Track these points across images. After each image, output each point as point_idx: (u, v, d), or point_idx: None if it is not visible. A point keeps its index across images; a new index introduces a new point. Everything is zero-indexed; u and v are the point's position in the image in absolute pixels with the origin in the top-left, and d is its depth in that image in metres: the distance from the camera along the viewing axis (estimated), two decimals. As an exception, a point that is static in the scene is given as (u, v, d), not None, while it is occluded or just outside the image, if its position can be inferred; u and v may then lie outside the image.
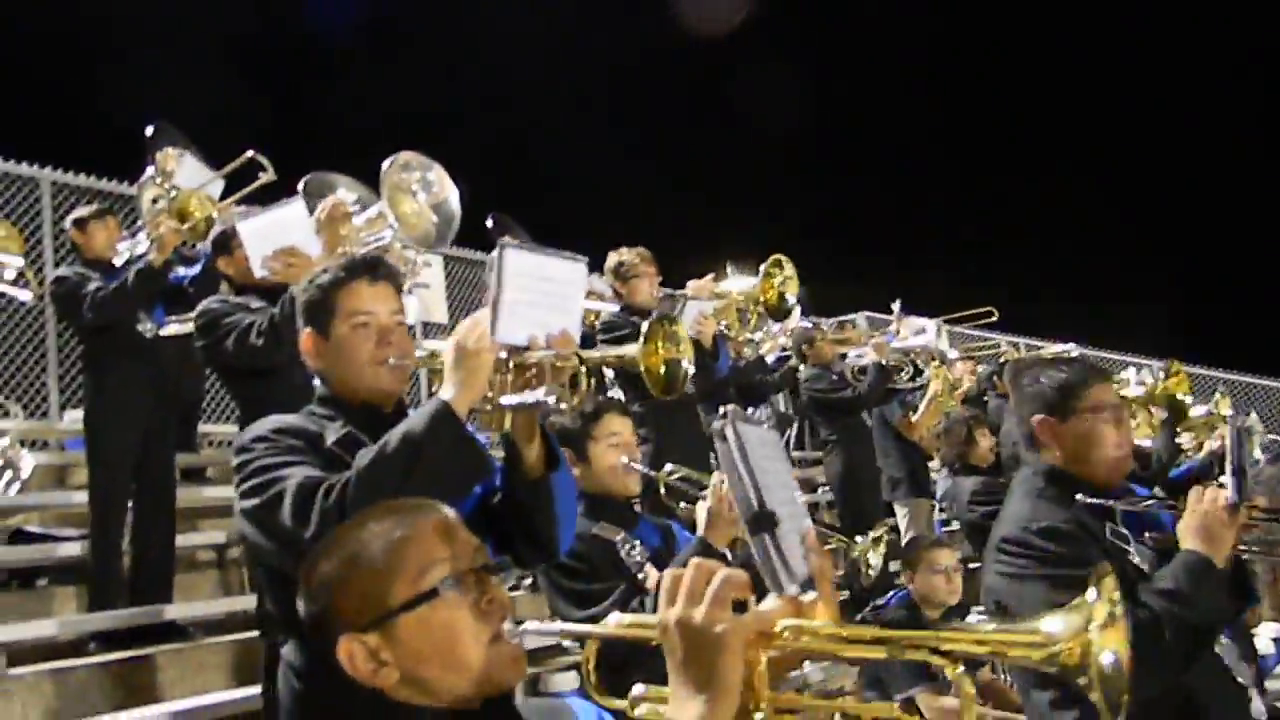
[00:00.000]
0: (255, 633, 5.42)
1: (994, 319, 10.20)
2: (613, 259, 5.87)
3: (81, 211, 5.84)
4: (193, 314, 6.03)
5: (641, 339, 2.45)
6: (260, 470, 2.23)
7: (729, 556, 3.04)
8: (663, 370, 2.47)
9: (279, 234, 3.90)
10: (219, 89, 14.85)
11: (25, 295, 4.95)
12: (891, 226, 19.59)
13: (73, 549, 5.57)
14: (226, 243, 4.23)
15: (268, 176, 5.69)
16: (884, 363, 7.27)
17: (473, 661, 1.49)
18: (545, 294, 2.26)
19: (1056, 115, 20.24)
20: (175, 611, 5.10)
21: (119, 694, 4.56)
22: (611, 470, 3.36)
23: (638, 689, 1.44)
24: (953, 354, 8.36)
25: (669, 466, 3.65)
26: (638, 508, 3.63)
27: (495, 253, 2.22)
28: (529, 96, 19.36)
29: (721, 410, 1.44)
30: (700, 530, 3.05)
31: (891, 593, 5.06)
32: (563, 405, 2.22)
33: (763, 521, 1.41)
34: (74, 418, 8.05)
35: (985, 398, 8.70)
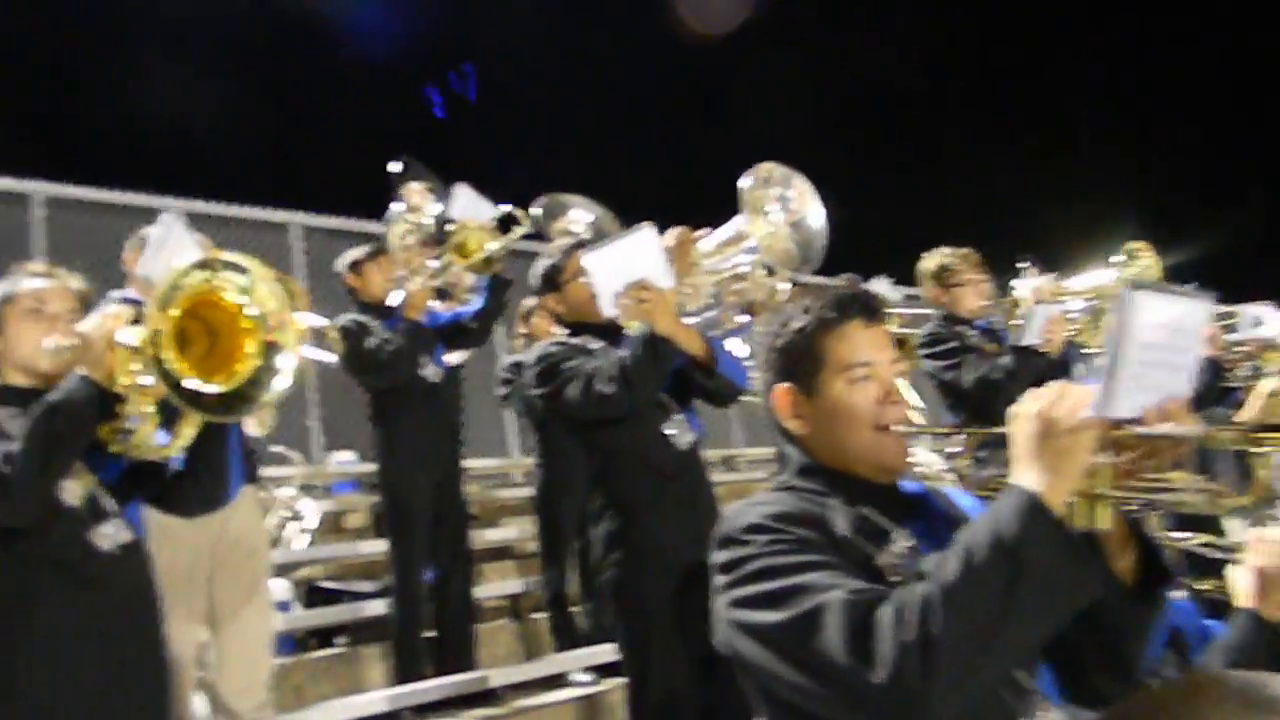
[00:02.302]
0: (565, 694, 5.10)
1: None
2: (933, 261, 5.21)
3: (355, 254, 5.60)
4: (452, 350, 5.92)
5: None
6: (768, 573, 1.70)
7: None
8: None
9: (626, 267, 3.45)
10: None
11: (331, 358, 4.74)
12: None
13: (376, 607, 5.34)
14: (554, 277, 3.82)
15: (524, 229, 5.47)
16: (1217, 357, 6.36)
17: None
18: (1168, 349, 1.67)
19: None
20: (501, 677, 4.77)
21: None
22: None
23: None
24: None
25: (1182, 534, 2.98)
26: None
27: (1119, 298, 1.65)
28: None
29: None
30: (1246, 600, 2.42)
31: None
32: (1204, 500, 1.62)
33: None
34: (339, 460, 7.99)
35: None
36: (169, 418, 2.62)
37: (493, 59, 19.54)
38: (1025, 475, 1.61)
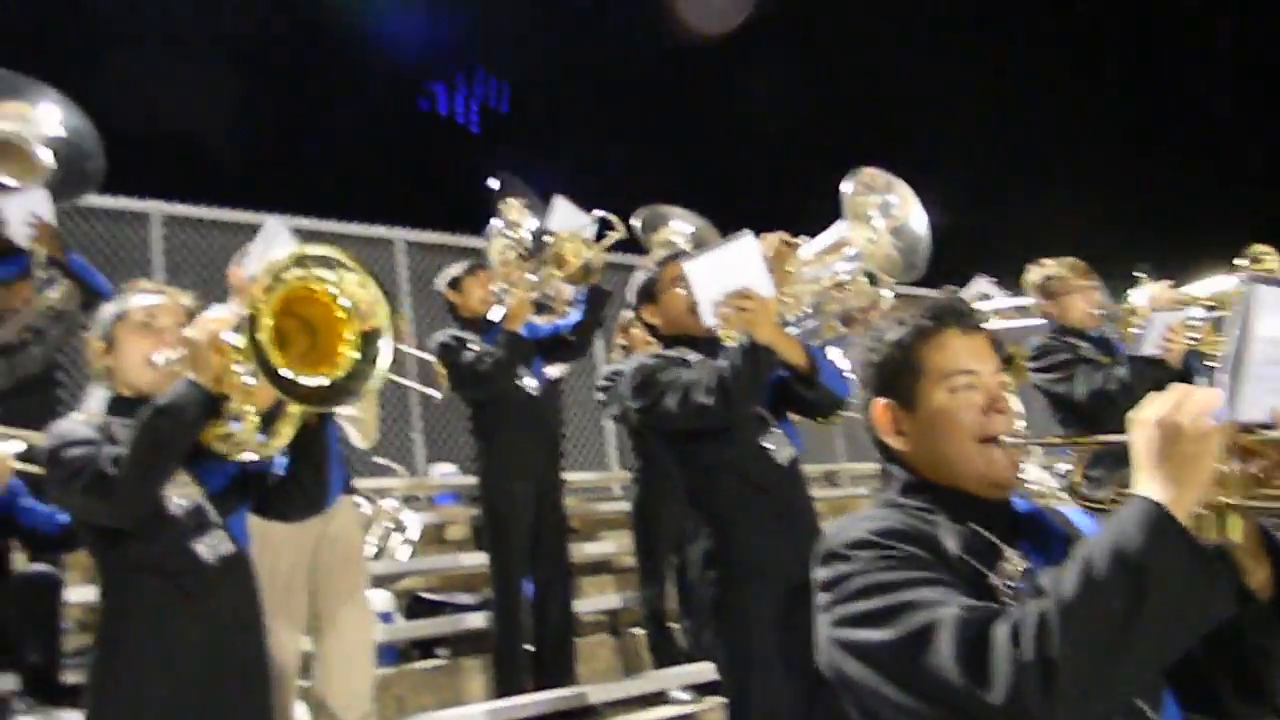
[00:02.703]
0: (664, 712, 5.04)
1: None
2: (1037, 273, 5.04)
3: (455, 270, 5.67)
4: (553, 364, 5.93)
5: None
6: (875, 590, 1.62)
7: None
8: None
9: (726, 275, 3.40)
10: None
11: (436, 394, 4.80)
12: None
13: (476, 619, 5.36)
14: (650, 289, 3.78)
15: (617, 234, 5.47)
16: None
17: None
18: None
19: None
20: (600, 694, 4.74)
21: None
22: None
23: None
24: None
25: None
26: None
27: (1240, 293, 1.54)
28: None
29: None
30: None
31: None
32: None
33: None
34: (441, 472, 8.08)
35: None
36: (270, 422, 2.65)
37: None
38: (1148, 485, 1.50)
